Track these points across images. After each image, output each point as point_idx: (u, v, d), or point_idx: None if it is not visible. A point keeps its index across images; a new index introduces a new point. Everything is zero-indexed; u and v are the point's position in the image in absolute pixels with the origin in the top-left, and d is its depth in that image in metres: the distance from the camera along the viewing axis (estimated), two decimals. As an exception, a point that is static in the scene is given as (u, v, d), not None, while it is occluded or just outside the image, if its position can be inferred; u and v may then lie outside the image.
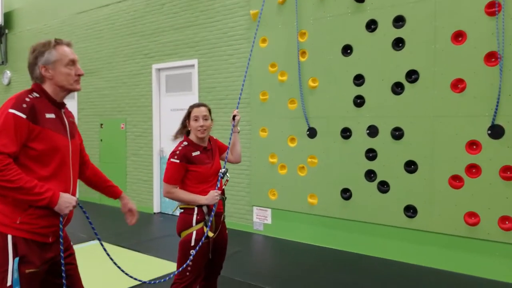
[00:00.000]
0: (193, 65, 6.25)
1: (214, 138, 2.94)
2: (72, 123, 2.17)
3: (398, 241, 4.49)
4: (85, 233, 5.68)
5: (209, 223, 2.63)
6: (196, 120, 2.68)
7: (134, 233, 5.70)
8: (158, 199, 6.88)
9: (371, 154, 4.62)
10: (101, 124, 7.68)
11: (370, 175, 4.65)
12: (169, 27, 6.51)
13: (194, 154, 2.65)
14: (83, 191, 8.07)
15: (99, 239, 2.36)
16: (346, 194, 4.82)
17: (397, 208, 4.46)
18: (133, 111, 7.16)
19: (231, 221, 5.85)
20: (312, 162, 5.06)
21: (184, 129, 2.79)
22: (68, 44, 2.13)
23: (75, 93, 8.14)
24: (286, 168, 5.28)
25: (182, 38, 6.35)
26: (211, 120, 2.78)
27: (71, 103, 8.37)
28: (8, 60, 9.67)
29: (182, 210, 2.72)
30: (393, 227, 4.51)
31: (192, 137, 2.74)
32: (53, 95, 2.05)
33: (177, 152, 2.63)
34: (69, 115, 2.18)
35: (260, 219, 5.59)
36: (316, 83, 4.99)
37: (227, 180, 2.83)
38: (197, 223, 2.63)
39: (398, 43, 4.39)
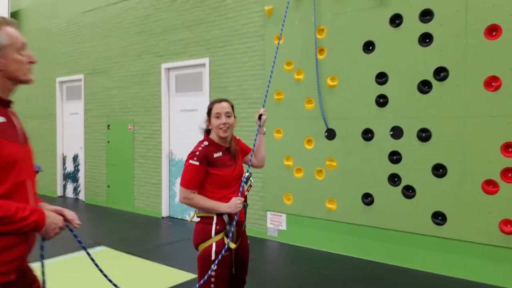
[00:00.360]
0: (204, 64, 6.01)
1: (237, 138, 2.68)
2: (21, 126, 1.73)
3: (424, 250, 4.19)
4: (89, 237, 5.43)
5: (231, 234, 2.35)
6: (217, 117, 2.42)
7: (141, 238, 5.44)
8: (167, 203, 6.62)
9: (395, 157, 4.33)
10: (108, 125, 7.45)
11: (394, 179, 4.36)
12: (179, 25, 6.28)
13: (215, 155, 2.39)
14: (89, 194, 7.85)
15: (88, 254, 2.05)
16: (367, 199, 4.53)
17: (424, 215, 4.17)
18: (141, 112, 6.92)
19: (244, 227, 5.59)
20: (330, 165, 4.79)
21: (206, 128, 2.56)
22: (14, 25, 1.66)
23: (82, 93, 7.94)
24: (303, 171, 5.01)
25: (192, 36, 6.12)
26: (234, 117, 2.52)
27: (77, 104, 8.17)
28: (15, 61, 9.48)
29: (198, 219, 2.46)
30: (419, 234, 4.22)
31: (213, 136, 2.48)
32: (1, 91, 1.62)
33: (197, 153, 2.37)
34: (15, 115, 1.73)
35: (275, 225, 5.31)
36: (335, 81, 4.72)
37: (250, 186, 2.55)
38: (216, 233, 2.36)
39: (425, 39, 4.11)
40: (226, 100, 2.50)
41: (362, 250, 4.59)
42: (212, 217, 2.38)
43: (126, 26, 7.06)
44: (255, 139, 2.72)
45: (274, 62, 3.44)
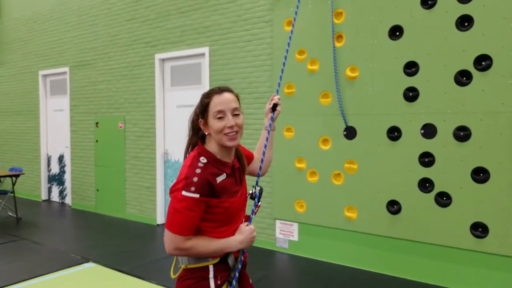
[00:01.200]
0: (203, 54, 5.38)
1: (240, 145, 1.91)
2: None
3: (461, 266, 3.64)
4: (76, 251, 4.81)
5: (234, 281, 1.69)
6: (220, 117, 1.62)
7: (135, 251, 4.83)
8: (162, 208, 6.01)
9: (426, 159, 3.77)
10: (97, 123, 6.80)
11: (425, 184, 3.80)
12: (174, 11, 5.63)
13: (219, 179, 1.61)
14: (76, 198, 7.21)
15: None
16: (393, 207, 3.97)
17: (461, 226, 3.61)
18: (133, 108, 6.28)
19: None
20: (350, 168, 4.21)
21: (195, 137, 1.73)
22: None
23: (67, 88, 7.27)
24: (317, 175, 4.42)
25: (190, 23, 5.48)
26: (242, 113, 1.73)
27: (62, 100, 7.50)
28: (-6, 53, 8.76)
29: (185, 276, 1.68)
30: (455, 248, 3.66)
31: (211, 147, 1.67)
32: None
33: (195, 178, 1.55)
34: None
35: (285, 235, 4.73)
36: (355, 72, 4.13)
37: (258, 207, 1.84)
38: None
39: (465, 22, 3.54)
40: (229, 90, 1.70)
41: (387, 265, 4.03)
42: (207, 268, 1.65)
43: (115, 12, 6.40)
44: (267, 138, 1.98)
45: (288, 44, 2.81)
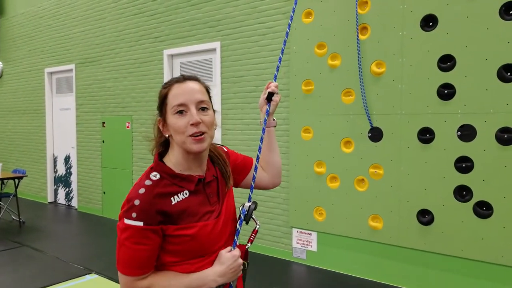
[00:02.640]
0: (214, 49, 5.03)
1: (221, 147, 1.49)
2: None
3: (503, 285, 3.23)
4: (79, 260, 4.50)
5: None
6: (181, 112, 1.23)
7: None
8: (171, 213, 5.67)
9: (464, 165, 3.36)
10: (103, 123, 6.50)
11: (462, 192, 3.39)
12: (184, 3, 5.29)
13: (175, 200, 1.22)
14: (82, 201, 6.93)
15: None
16: (425, 217, 3.57)
17: (503, 240, 3.20)
18: (140, 107, 5.96)
19: (262, 244, 4.64)
20: (376, 173, 3.82)
21: (160, 139, 1.32)
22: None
23: (73, 86, 6.98)
24: (339, 180, 4.04)
25: (200, 16, 5.13)
26: (214, 111, 1.31)
27: (68, 98, 7.22)
28: (0, 49, 8.53)
29: None
30: (496, 265, 3.26)
31: (174, 156, 1.28)
32: None
33: (136, 201, 1.16)
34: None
35: (302, 245, 4.36)
36: (382, 68, 3.73)
37: (255, 231, 1.39)
38: None
39: (510, 10, 3.12)
40: (195, 78, 1.31)
41: (416, 281, 3.63)
42: None
43: (122, 6, 6.08)
44: (261, 138, 1.51)
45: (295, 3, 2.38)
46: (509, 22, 3.12)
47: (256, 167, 1.48)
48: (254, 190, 1.47)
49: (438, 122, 3.47)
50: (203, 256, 1.26)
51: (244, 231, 1.43)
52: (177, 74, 5.59)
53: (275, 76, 1.64)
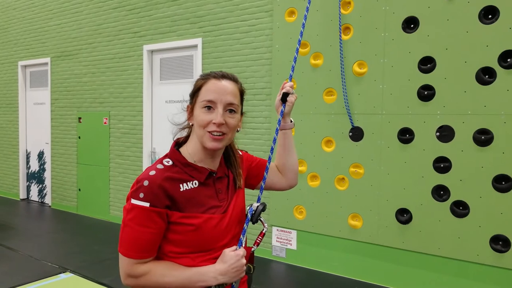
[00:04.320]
0: (195, 46, 4.97)
1: (239, 150, 1.49)
2: None
3: (479, 282, 3.32)
4: (53, 258, 4.37)
5: None
6: (208, 108, 1.24)
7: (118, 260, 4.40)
8: (149, 211, 5.58)
9: (442, 165, 3.42)
10: (79, 118, 6.33)
11: (440, 192, 3.46)
12: (165, -2, 5.20)
13: (183, 187, 1.21)
14: (57, 197, 6.74)
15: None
16: (404, 216, 3.62)
17: (479, 239, 3.28)
18: (118, 103, 5.84)
19: (244, 244, 4.61)
20: (356, 172, 3.85)
21: (185, 125, 1.34)
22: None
23: (48, 80, 6.78)
24: (319, 179, 4.06)
25: (181, 12, 5.06)
26: (241, 114, 1.33)
27: (43, 92, 7.01)
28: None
29: None
30: (472, 263, 3.34)
31: (188, 147, 1.29)
32: None
33: (145, 182, 1.17)
34: None
35: (282, 243, 4.36)
36: (364, 68, 3.77)
37: (262, 234, 1.35)
38: None
39: (489, 14, 3.20)
40: (233, 79, 1.31)
41: (394, 279, 3.69)
42: None
43: (101, 0, 5.93)
44: (274, 138, 1.52)
45: (302, 29, 2.37)
46: (488, 26, 3.20)
47: (267, 168, 1.49)
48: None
49: (417, 122, 3.53)
50: (205, 251, 1.24)
51: (249, 234, 1.40)
52: (156, 70, 5.50)
53: (290, 76, 1.66)
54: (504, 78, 3.15)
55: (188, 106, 1.31)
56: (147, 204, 1.16)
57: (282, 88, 1.51)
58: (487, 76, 3.22)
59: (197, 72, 4.94)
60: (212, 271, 1.21)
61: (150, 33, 5.39)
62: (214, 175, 1.30)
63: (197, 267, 1.22)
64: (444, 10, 3.36)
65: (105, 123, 5.99)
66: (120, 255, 1.21)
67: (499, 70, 3.17)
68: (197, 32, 4.93)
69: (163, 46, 5.27)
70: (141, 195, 1.16)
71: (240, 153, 1.49)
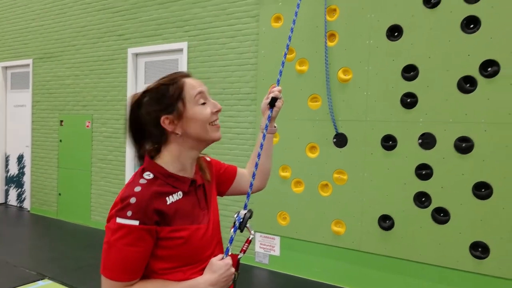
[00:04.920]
0: (181, 50, 4.94)
1: (207, 156, 1.47)
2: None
3: (459, 289, 3.35)
4: (31, 265, 4.26)
5: None
6: (204, 102, 1.24)
7: (99, 267, 4.31)
8: (131, 216, 5.49)
9: (424, 172, 3.46)
10: (61, 121, 6.22)
11: (421, 199, 3.49)
12: (151, 2, 5.17)
13: (170, 200, 1.18)
14: (36, 202, 6.59)
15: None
16: (386, 222, 3.64)
17: (459, 245, 3.32)
18: (102, 106, 5.76)
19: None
20: (339, 178, 3.86)
21: (160, 139, 1.25)
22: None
23: (30, 81, 6.65)
24: (303, 185, 4.06)
25: (167, 16, 5.03)
26: None
27: (24, 94, 6.87)
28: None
29: None
30: (452, 269, 3.37)
31: (168, 157, 1.23)
32: None
33: (132, 199, 1.12)
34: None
35: (265, 250, 4.34)
36: (349, 75, 3.80)
37: (248, 241, 1.35)
38: None
39: (470, 24, 3.26)
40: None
41: (377, 285, 3.70)
42: None
43: (85, 1, 5.86)
44: (262, 144, 1.51)
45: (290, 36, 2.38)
46: (470, 35, 3.26)
47: (254, 174, 1.47)
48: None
49: (400, 130, 3.56)
50: (193, 263, 1.22)
51: (225, 239, 1.39)
52: (141, 73, 5.45)
53: (278, 80, 1.66)
54: (485, 87, 3.21)
55: (167, 118, 1.21)
56: (136, 223, 1.10)
57: (270, 92, 1.51)
58: (468, 85, 3.28)
59: (182, 76, 4.89)
60: (202, 282, 1.18)
61: (135, 36, 5.35)
62: (195, 183, 1.27)
63: (186, 281, 1.19)
64: (427, 19, 3.42)
65: (87, 126, 5.90)
66: (105, 279, 1.14)
67: (480, 79, 3.22)
68: (183, 36, 4.91)
69: (148, 50, 5.23)
70: (129, 213, 1.10)
71: (208, 159, 1.48)
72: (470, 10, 3.24)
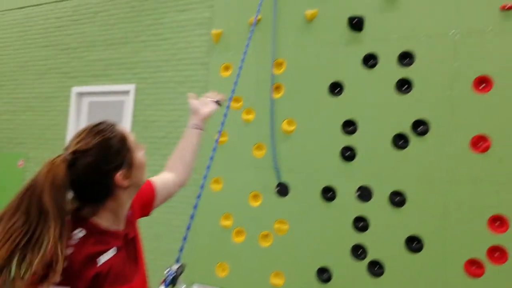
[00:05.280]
0: (127, 92, 4.88)
1: None
2: None
3: None
4: None
5: None
6: (142, 149, 1.28)
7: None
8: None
9: (360, 224, 3.53)
10: (-9, 158, 5.80)
11: (358, 251, 3.53)
12: (100, 42, 5.14)
13: (103, 259, 1.11)
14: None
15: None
16: (323, 275, 3.62)
17: (395, 299, 3.35)
18: (39, 145, 5.46)
19: (161, 303, 4.30)
20: (280, 228, 3.84)
21: (104, 195, 1.19)
22: None
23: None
24: (244, 234, 3.98)
25: (117, 57, 5.00)
26: None
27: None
28: None
29: None
30: (388, 324, 3.37)
31: (101, 213, 1.18)
32: None
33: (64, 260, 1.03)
34: None
35: (202, 302, 4.13)
36: (292, 126, 3.90)
37: None
38: None
39: (404, 85, 3.51)
40: None
41: None
42: None
43: (31, 37, 5.72)
44: (211, 157, 1.71)
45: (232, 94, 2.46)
46: (403, 95, 3.49)
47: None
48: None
49: (340, 181, 3.65)
50: None
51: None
52: (84, 113, 5.28)
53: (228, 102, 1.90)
54: (416, 144, 3.41)
55: (121, 174, 1.16)
56: None
57: (213, 96, 1.83)
58: (401, 142, 3.47)
59: (127, 118, 4.81)
60: None
61: (80, 75, 5.23)
62: (126, 236, 1.22)
63: None
64: (366, 78, 3.64)
65: (20, 165, 5.53)
66: None
67: (412, 137, 3.43)
68: (132, 78, 4.87)
69: (93, 90, 5.11)
70: (58, 279, 1.00)
71: None
72: (404, 73, 3.50)
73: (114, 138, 1.18)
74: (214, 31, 4.31)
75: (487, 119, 3.22)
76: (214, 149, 1.54)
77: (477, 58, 3.29)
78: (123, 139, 1.20)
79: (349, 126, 3.67)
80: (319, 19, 3.91)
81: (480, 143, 3.23)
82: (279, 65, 4.04)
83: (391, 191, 3.45)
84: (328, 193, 3.69)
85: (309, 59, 3.91)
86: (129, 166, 1.18)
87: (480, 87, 3.27)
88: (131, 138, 1.23)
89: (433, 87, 3.40)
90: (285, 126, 3.92)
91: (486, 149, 3.21)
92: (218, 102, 1.63)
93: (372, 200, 3.52)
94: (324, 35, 3.87)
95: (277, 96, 4.00)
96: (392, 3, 3.61)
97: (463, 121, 3.28)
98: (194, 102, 1.65)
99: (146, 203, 1.49)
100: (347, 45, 3.74)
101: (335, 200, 3.65)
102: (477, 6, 3.33)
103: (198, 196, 1.46)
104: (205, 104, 1.73)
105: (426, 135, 3.38)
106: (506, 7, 3.20)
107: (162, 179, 1.56)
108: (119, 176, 1.16)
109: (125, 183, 1.18)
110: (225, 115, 1.66)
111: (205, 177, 1.45)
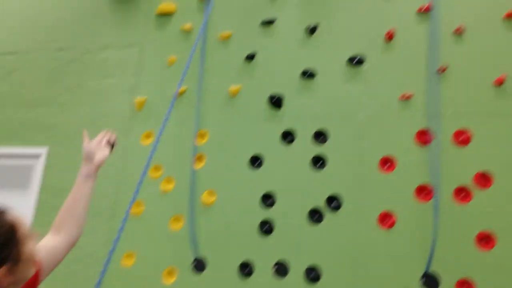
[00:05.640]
0: (38, 155, 4.56)
1: None
2: None
3: None
4: None
5: None
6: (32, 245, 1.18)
7: None
8: None
9: (278, 301, 3.46)
10: None
11: (275, 331, 3.42)
12: (13, 101, 4.84)
13: None
14: None
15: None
16: None
17: None
18: None
19: None
20: (195, 307, 3.63)
21: None
22: None
23: None
24: (156, 315, 3.70)
25: (30, 117, 4.72)
26: None
27: None
28: None
29: None
30: None
31: None
32: None
33: None
34: None
35: None
36: (213, 197, 3.86)
37: None
38: None
39: (318, 162, 3.69)
40: None
41: None
42: None
43: None
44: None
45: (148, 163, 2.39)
46: (317, 172, 3.65)
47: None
48: None
49: (257, 256, 3.60)
50: None
51: None
52: (-14, 176, 4.81)
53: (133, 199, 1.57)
54: (330, 219, 3.52)
55: (3, 269, 1.04)
56: None
57: (106, 136, 1.67)
58: (316, 216, 3.56)
59: (35, 183, 4.44)
60: None
61: (-13, 135, 4.83)
62: None
63: None
64: (283, 154, 3.77)
65: None
66: None
67: (326, 212, 3.54)
68: (45, 141, 4.59)
69: (0, 151, 4.72)
70: None
71: None
72: (318, 150, 3.69)
73: (0, 230, 1.06)
74: (138, 98, 4.29)
75: (392, 197, 3.44)
76: (125, 220, 1.40)
77: (381, 139, 3.58)
78: (11, 231, 1.08)
79: (268, 199, 3.72)
80: (242, 94, 4.07)
81: (386, 219, 3.42)
82: (202, 135, 4.07)
83: (306, 266, 3.46)
84: (245, 269, 3.61)
85: (231, 132, 3.99)
86: (16, 261, 1.06)
87: (387, 166, 3.53)
88: (22, 228, 1.09)
89: (344, 165, 3.60)
90: (205, 197, 3.87)
91: (392, 225, 3.39)
92: (112, 144, 1.51)
93: (288, 276, 3.49)
94: (246, 110, 4.01)
95: (198, 166, 3.98)
96: (308, 85, 3.89)
97: (370, 198, 3.48)
98: (89, 146, 1.51)
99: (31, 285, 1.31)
100: (267, 121, 3.90)
101: (251, 276, 3.57)
102: (379, 93, 3.70)
103: (103, 272, 1.29)
104: (100, 149, 1.57)
105: (338, 211, 3.51)
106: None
107: (47, 249, 1.39)
108: (1, 271, 1.03)
109: (8, 281, 1.04)
110: (140, 183, 1.56)
111: (111, 251, 1.29)
